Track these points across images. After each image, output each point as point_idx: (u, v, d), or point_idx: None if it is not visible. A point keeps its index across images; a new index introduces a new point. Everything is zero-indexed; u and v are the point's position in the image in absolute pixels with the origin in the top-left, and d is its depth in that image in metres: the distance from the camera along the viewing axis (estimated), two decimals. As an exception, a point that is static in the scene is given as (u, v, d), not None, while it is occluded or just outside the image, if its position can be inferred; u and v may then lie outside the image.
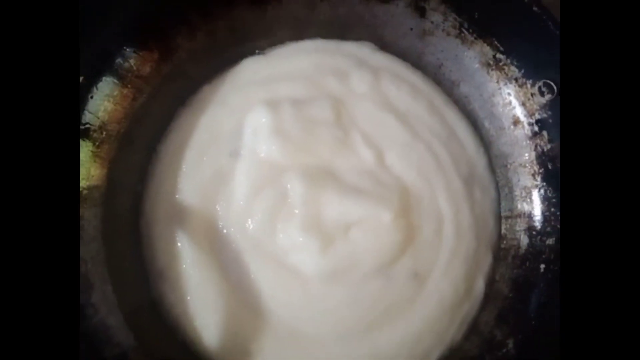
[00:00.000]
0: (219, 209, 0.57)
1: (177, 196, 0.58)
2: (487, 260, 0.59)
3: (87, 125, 0.52)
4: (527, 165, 0.57)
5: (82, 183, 0.52)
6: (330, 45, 0.64)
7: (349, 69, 0.62)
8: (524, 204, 0.58)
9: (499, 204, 0.61)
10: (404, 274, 0.56)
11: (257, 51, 0.64)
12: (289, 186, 0.56)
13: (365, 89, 0.62)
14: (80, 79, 0.51)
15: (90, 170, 0.53)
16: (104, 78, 0.53)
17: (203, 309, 0.54)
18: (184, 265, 0.55)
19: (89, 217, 0.52)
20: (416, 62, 0.63)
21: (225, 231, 0.57)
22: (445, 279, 0.57)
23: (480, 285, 0.58)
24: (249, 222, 0.56)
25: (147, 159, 0.59)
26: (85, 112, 0.52)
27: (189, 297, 0.55)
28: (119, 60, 0.54)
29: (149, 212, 0.58)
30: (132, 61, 0.55)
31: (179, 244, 0.56)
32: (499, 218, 0.61)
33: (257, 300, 0.55)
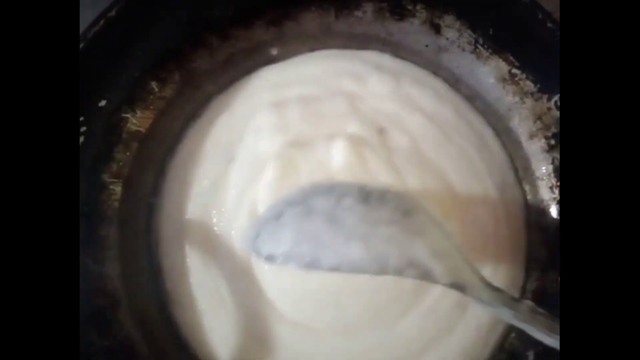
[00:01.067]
0: (214, 219, 0.56)
1: (180, 211, 0.57)
2: (520, 275, 0.57)
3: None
4: (544, 178, 0.58)
5: (105, 200, 0.54)
6: (346, 53, 0.63)
7: (367, 72, 0.60)
8: (542, 217, 0.58)
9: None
10: (448, 303, 0.53)
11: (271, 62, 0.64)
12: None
13: (386, 90, 0.59)
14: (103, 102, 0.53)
15: (113, 189, 0.55)
16: (129, 101, 0.55)
17: (212, 329, 0.54)
18: (191, 284, 0.55)
19: (113, 235, 0.54)
20: (432, 78, 0.64)
21: (222, 240, 0.55)
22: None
23: None
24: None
25: (161, 176, 0.59)
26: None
27: (197, 318, 0.54)
28: (142, 83, 0.56)
29: (155, 229, 0.57)
30: (154, 84, 0.57)
31: (185, 262, 0.56)
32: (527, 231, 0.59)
33: (269, 310, 0.54)
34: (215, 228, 0.56)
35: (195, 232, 0.56)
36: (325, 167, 0.55)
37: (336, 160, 0.55)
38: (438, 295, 0.53)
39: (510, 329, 0.55)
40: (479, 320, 0.54)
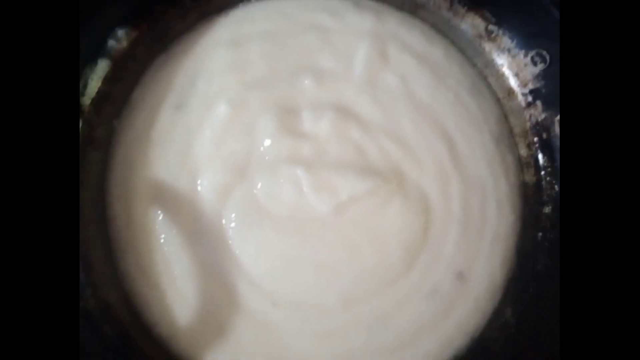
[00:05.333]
0: (170, 174, 0.53)
1: (130, 168, 0.54)
2: (521, 235, 0.55)
3: (83, 108, 0.53)
4: (522, 135, 0.57)
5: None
6: None
7: (346, 8, 0.56)
8: (521, 173, 0.57)
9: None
10: (449, 279, 0.52)
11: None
12: (258, 128, 0.51)
13: (367, 26, 0.55)
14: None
15: (86, 152, 0.53)
16: (98, 61, 0.53)
17: (171, 286, 0.52)
18: (151, 240, 0.53)
19: (87, 200, 0.53)
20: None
21: (173, 194, 0.52)
22: (485, 271, 0.53)
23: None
24: (199, 181, 0.52)
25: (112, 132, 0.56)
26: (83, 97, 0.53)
27: (156, 276, 0.52)
28: (112, 43, 0.54)
29: (107, 188, 0.55)
30: (124, 43, 0.55)
31: (136, 221, 0.53)
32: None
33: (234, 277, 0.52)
34: (171, 184, 0.53)
35: (146, 190, 0.53)
36: (288, 106, 0.53)
37: (304, 96, 0.53)
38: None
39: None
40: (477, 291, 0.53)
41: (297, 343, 0.52)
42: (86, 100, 0.53)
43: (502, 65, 0.58)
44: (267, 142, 0.53)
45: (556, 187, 0.55)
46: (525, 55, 0.56)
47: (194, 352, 0.52)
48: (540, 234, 0.54)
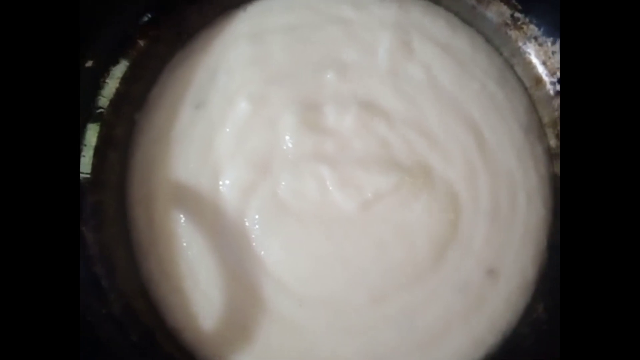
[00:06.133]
0: (182, 172, 0.52)
1: (151, 168, 0.53)
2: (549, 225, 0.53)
3: (101, 110, 0.52)
4: (551, 125, 0.56)
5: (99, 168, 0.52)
6: None
7: (369, 0, 0.55)
8: (551, 165, 0.55)
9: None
10: (479, 274, 0.51)
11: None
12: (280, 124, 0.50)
13: (390, 17, 0.54)
14: (90, 63, 0.50)
15: (106, 154, 0.52)
16: (117, 61, 0.52)
17: (196, 290, 0.51)
18: (173, 243, 0.52)
19: (109, 202, 0.52)
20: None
21: (195, 194, 0.51)
22: (517, 266, 0.51)
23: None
24: (221, 180, 0.51)
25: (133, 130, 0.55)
26: (100, 97, 0.52)
27: (179, 279, 0.52)
28: (129, 42, 0.53)
29: (128, 189, 0.54)
30: (142, 42, 0.54)
31: (157, 223, 0.52)
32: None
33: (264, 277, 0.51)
34: (193, 184, 0.52)
35: (167, 191, 0.52)
36: (310, 101, 0.52)
37: (327, 91, 0.52)
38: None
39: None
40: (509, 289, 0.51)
41: (326, 342, 0.51)
42: (105, 101, 0.52)
43: (529, 53, 0.56)
44: (290, 139, 0.51)
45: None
46: (553, 43, 0.54)
47: (221, 356, 0.51)
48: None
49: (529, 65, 0.56)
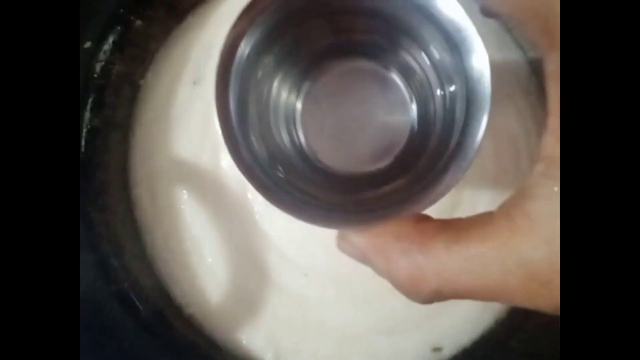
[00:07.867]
0: (182, 149, 0.52)
1: (153, 148, 0.53)
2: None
3: (101, 91, 0.52)
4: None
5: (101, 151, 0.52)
6: None
7: None
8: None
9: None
10: None
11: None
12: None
13: None
14: (88, 44, 0.51)
15: (108, 135, 0.52)
16: (111, 41, 0.52)
17: (202, 265, 0.52)
18: (177, 219, 0.52)
19: (113, 183, 0.53)
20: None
21: (197, 170, 0.52)
22: None
23: None
24: (223, 155, 0.51)
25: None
26: (99, 79, 0.52)
27: (185, 256, 0.52)
28: (124, 23, 0.53)
29: (131, 168, 0.54)
30: (138, 22, 0.54)
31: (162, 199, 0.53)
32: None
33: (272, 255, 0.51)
34: (194, 161, 0.52)
35: (168, 168, 0.53)
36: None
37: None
38: None
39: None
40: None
41: (334, 313, 0.51)
42: (104, 82, 0.52)
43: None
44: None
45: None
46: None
47: (229, 329, 0.52)
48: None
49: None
